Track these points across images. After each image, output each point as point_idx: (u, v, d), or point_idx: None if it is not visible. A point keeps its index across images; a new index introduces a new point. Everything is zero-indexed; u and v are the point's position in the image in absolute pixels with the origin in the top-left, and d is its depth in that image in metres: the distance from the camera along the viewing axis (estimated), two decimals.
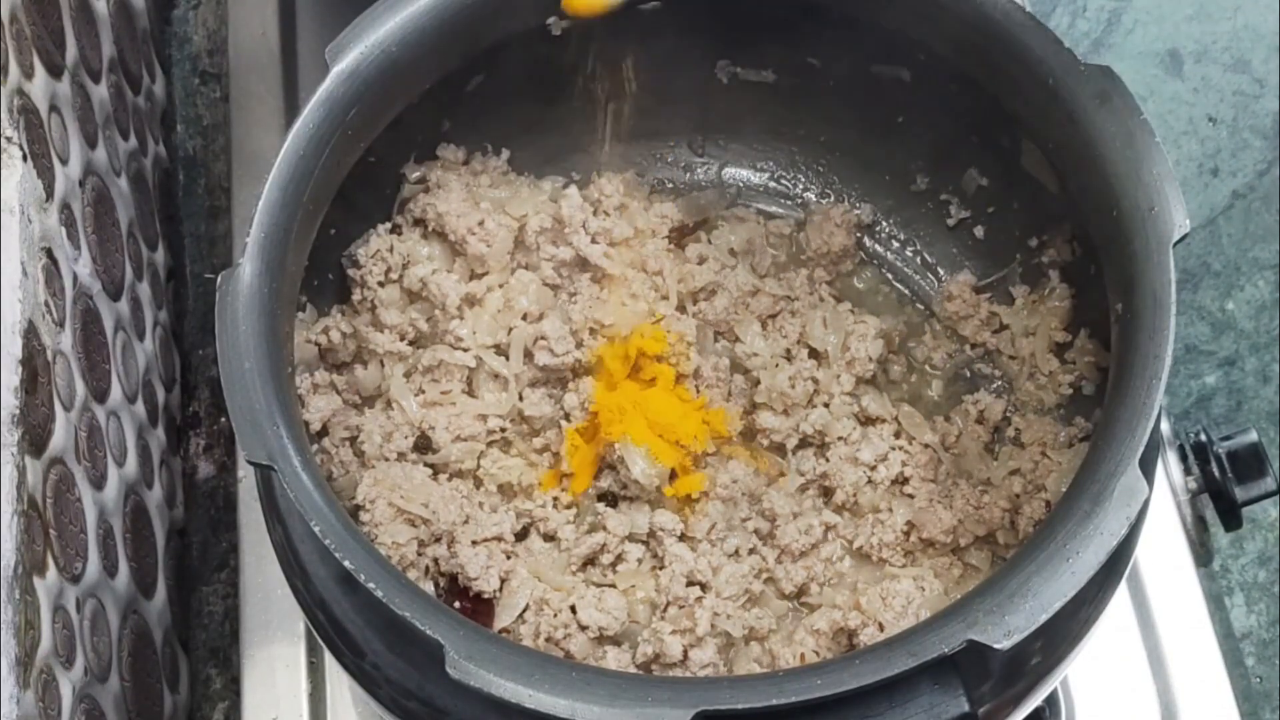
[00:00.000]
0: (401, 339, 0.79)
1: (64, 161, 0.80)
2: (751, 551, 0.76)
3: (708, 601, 0.72)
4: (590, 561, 0.75)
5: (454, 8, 0.72)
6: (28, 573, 0.66)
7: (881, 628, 0.71)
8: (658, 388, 0.79)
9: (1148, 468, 0.63)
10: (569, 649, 0.71)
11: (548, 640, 0.71)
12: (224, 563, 0.93)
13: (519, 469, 0.78)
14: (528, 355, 0.80)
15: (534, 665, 0.55)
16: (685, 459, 0.77)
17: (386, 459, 0.76)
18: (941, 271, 0.86)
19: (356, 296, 0.80)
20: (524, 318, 0.81)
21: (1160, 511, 0.88)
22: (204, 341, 1.01)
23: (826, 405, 0.80)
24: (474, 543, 0.73)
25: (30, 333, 0.71)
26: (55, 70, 0.81)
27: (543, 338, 0.80)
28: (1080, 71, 0.67)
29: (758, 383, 0.80)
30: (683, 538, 0.76)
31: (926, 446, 0.79)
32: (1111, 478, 0.58)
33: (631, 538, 0.75)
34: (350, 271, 0.80)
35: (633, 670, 0.71)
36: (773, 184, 0.90)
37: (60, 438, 0.73)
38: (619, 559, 0.75)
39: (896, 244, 0.88)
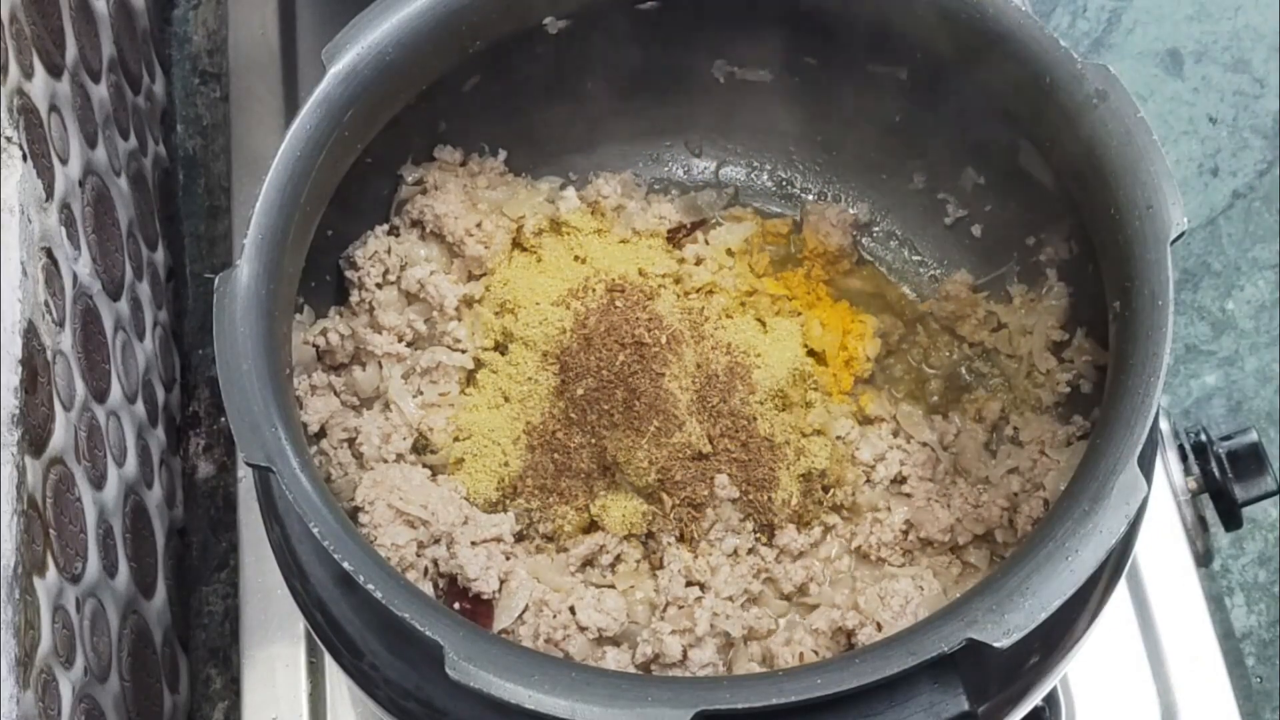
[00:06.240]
0: (399, 340, 0.79)
1: (64, 161, 0.80)
2: (750, 551, 0.76)
3: (707, 601, 0.72)
4: (589, 562, 0.75)
5: (450, 9, 0.72)
6: (28, 573, 0.66)
7: (880, 627, 0.71)
8: None
9: (1146, 466, 0.63)
10: (568, 650, 0.71)
11: (547, 641, 0.71)
12: (224, 563, 0.93)
13: None
14: None
15: (534, 665, 0.55)
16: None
17: (385, 460, 0.76)
18: (939, 270, 0.86)
19: (354, 298, 0.80)
20: None
21: (1160, 511, 0.88)
22: (204, 341, 1.01)
23: (825, 405, 0.80)
24: (473, 544, 0.73)
25: (30, 333, 0.71)
26: (55, 70, 0.81)
27: None
28: (1078, 70, 0.67)
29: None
30: (682, 538, 0.76)
31: (925, 445, 0.79)
32: (1110, 476, 0.58)
33: (630, 538, 0.75)
34: (348, 273, 0.80)
35: (632, 670, 0.70)
36: (770, 183, 0.90)
37: (60, 437, 0.73)
38: (618, 559, 0.75)
39: (894, 243, 0.88)
